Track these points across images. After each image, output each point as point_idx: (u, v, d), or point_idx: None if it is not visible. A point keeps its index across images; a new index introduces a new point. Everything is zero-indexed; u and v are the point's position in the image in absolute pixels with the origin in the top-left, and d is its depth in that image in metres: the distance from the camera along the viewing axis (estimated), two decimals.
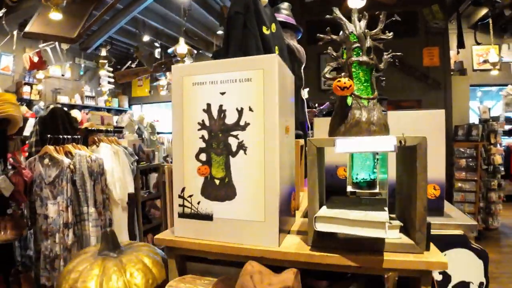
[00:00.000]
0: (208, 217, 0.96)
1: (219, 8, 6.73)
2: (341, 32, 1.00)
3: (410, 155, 0.91)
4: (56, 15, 3.24)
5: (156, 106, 10.45)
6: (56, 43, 5.75)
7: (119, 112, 9.29)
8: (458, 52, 5.44)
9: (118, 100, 9.80)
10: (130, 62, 7.74)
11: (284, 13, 1.87)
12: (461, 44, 5.00)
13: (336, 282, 0.97)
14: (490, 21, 5.53)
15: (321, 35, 1.01)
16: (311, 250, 0.91)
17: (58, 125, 3.24)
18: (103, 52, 6.26)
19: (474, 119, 6.39)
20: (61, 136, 2.85)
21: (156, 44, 7.42)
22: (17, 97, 7.95)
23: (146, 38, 7.06)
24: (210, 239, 0.97)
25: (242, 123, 0.91)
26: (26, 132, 3.81)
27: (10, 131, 2.87)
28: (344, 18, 1.00)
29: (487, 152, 4.97)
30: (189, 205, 0.97)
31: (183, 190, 0.98)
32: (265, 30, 1.35)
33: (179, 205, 0.99)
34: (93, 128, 3.17)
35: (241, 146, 0.92)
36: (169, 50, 5.18)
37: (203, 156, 0.95)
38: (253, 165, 0.91)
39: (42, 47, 5.81)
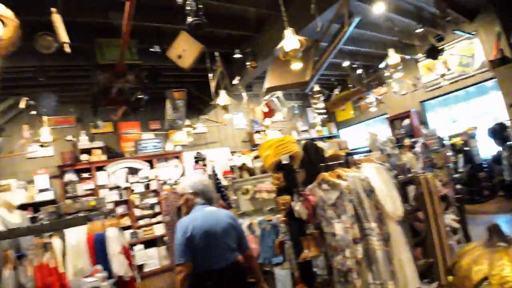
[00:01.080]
0: None
1: (413, 8, 6.38)
2: None
3: None
4: (297, 65, 3.84)
5: (363, 125, 10.58)
6: (279, 93, 6.83)
7: (329, 138, 9.94)
8: None
9: (327, 128, 10.56)
10: (333, 90, 8.26)
11: None
12: None
13: None
14: None
15: None
16: None
17: (311, 156, 3.75)
18: (316, 87, 6.97)
19: None
20: (331, 163, 3.27)
21: (355, 66, 7.66)
22: (251, 144, 9.81)
23: (345, 63, 7.42)
24: None
25: None
26: None
27: (294, 165, 3.52)
28: None
29: None
30: None
31: None
32: None
33: None
34: (351, 151, 3.49)
35: None
36: (381, 65, 5.24)
37: None
38: None
39: (268, 98, 7.03)
